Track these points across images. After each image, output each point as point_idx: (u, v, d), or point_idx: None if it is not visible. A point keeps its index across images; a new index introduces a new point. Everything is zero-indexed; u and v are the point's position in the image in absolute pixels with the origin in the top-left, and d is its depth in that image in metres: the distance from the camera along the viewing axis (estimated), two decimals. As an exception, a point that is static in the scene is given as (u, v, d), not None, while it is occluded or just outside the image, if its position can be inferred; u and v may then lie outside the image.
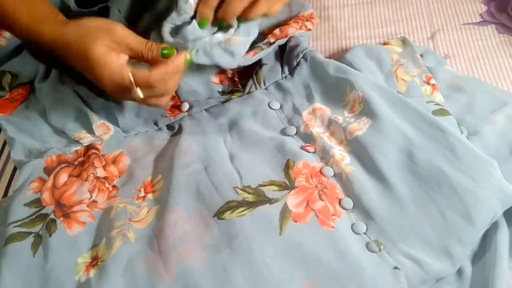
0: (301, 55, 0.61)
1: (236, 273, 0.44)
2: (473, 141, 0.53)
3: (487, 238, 0.49)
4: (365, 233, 0.48)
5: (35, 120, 0.58)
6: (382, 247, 0.47)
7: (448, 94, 0.59)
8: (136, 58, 0.51)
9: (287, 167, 0.52)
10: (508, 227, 0.49)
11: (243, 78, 0.62)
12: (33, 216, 0.50)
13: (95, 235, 0.50)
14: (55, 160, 0.55)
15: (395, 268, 0.45)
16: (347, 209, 0.50)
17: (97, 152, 0.56)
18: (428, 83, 0.59)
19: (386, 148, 0.52)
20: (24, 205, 0.51)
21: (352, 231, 0.48)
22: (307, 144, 0.55)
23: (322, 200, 0.50)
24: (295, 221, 0.48)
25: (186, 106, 0.59)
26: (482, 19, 0.71)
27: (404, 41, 0.65)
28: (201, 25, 0.53)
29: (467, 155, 0.50)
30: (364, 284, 0.44)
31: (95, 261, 0.48)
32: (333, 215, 0.49)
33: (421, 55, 0.63)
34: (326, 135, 0.56)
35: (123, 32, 0.50)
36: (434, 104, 0.57)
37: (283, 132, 0.56)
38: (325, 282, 0.44)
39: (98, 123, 0.57)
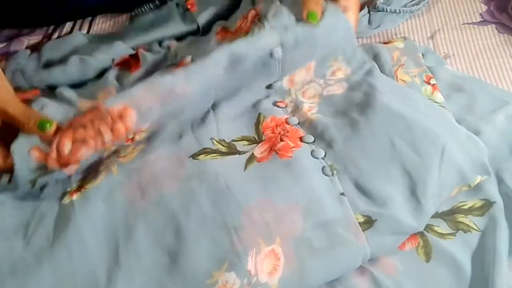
0: None
1: (201, 194, 0.49)
2: (473, 141, 0.53)
3: (487, 237, 0.49)
4: (323, 158, 0.51)
5: None
6: (335, 172, 0.50)
7: (448, 94, 0.59)
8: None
9: (257, 122, 0.56)
10: (508, 227, 0.49)
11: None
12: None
13: (85, 171, 0.54)
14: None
15: (341, 194, 0.49)
16: (308, 142, 0.53)
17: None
18: (429, 83, 0.59)
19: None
20: None
21: (312, 156, 0.52)
22: (279, 101, 0.58)
23: (283, 141, 0.53)
24: (258, 162, 0.52)
25: None
26: (482, 19, 0.71)
27: (405, 40, 0.65)
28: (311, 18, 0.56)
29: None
30: (312, 203, 0.48)
31: (80, 188, 0.51)
32: (292, 147, 0.52)
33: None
34: (301, 91, 0.59)
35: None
36: (434, 104, 0.57)
37: (268, 86, 0.60)
38: (279, 198, 0.49)
39: None
